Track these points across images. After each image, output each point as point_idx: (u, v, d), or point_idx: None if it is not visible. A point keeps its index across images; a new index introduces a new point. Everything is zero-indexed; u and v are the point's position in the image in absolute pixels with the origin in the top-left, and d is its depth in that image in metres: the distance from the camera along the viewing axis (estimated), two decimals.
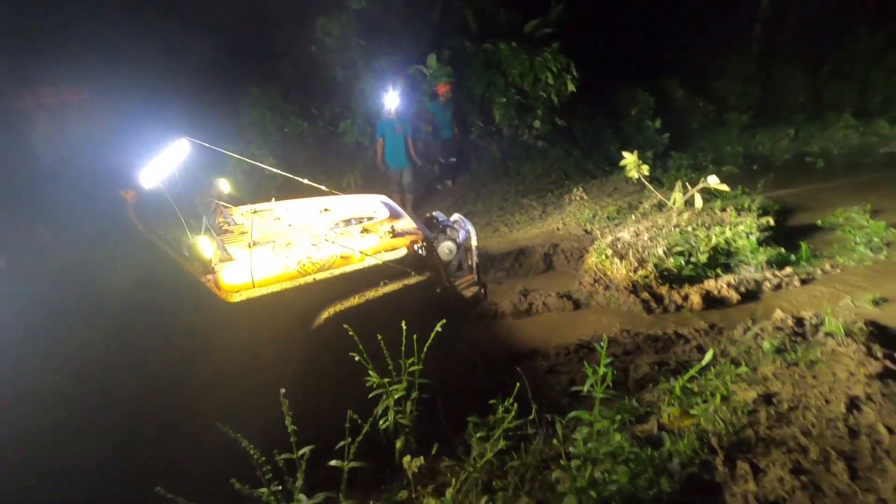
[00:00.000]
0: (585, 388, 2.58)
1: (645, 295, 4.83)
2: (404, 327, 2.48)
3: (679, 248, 5.18)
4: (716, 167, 9.52)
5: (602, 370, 2.51)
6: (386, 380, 2.58)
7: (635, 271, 4.90)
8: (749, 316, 4.47)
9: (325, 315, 2.81)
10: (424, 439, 2.65)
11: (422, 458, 2.32)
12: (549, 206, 8.11)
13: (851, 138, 10.91)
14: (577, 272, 5.56)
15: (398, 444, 2.59)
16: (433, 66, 8.99)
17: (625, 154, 6.59)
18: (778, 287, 5.00)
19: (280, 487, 1.86)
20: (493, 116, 9.67)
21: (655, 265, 4.94)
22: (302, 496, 1.88)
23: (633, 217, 6.46)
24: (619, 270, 4.96)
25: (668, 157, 10.42)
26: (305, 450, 1.93)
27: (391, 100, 7.53)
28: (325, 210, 3.72)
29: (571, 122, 10.29)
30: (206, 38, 8.07)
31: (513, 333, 4.68)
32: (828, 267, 5.24)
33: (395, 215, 3.61)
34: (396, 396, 2.62)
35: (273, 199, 3.94)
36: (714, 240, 5.29)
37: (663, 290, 4.90)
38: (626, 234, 5.53)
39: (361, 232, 3.25)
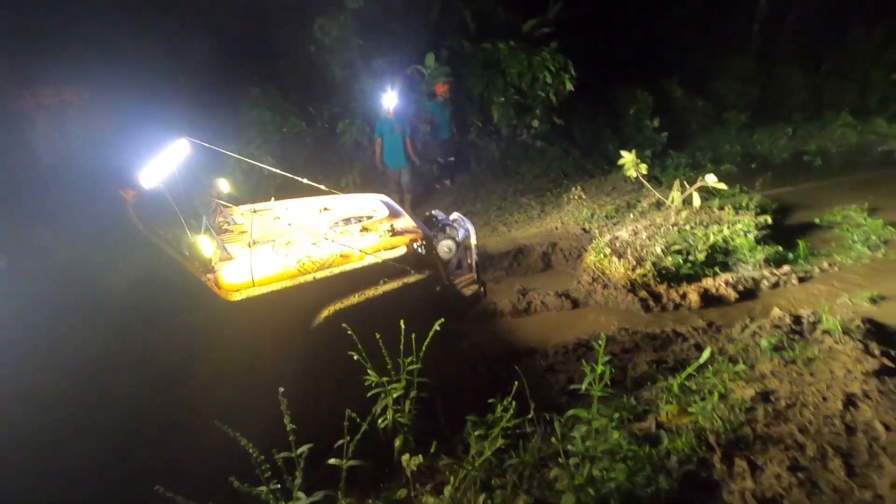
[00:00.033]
0: (584, 387, 2.59)
1: (643, 293, 4.84)
2: (403, 326, 2.49)
3: (677, 247, 5.19)
4: (714, 166, 9.54)
5: (600, 368, 2.52)
6: (385, 379, 2.59)
7: (633, 270, 4.91)
8: (747, 314, 4.49)
9: (325, 313, 2.83)
10: (423, 438, 2.65)
11: (420, 456, 2.33)
12: (547, 205, 8.12)
13: (849, 137, 10.94)
14: (576, 271, 5.57)
15: (397, 442, 2.60)
16: (431, 65, 8.99)
17: (623, 153, 6.59)
18: (776, 285, 5.01)
19: (279, 486, 1.87)
20: (492, 116, 9.68)
21: (654, 264, 4.95)
22: (301, 494, 1.89)
23: (632, 216, 6.47)
24: (618, 269, 4.97)
25: (667, 157, 10.44)
26: (304, 448, 1.94)
27: (389, 99, 7.53)
28: (325, 209, 3.73)
29: (570, 122, 10.30)
30: (205, 38, 8.07)
31: (511, 332, 4.68)
32: (825, 265, 5.26)
33: (394, 214, 3.62)
34: (395, 395, 2.62)
35: (272, 198, 3.95)
36: (712, 238, 5.30)
37: (661, 288, 4.91)
38: (624, 233, 5.54)
39: (361, 231, 3.25)
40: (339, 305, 2.87)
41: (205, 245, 2.78)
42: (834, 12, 13.20)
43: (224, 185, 3.77)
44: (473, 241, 3.86)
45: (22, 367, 1.96)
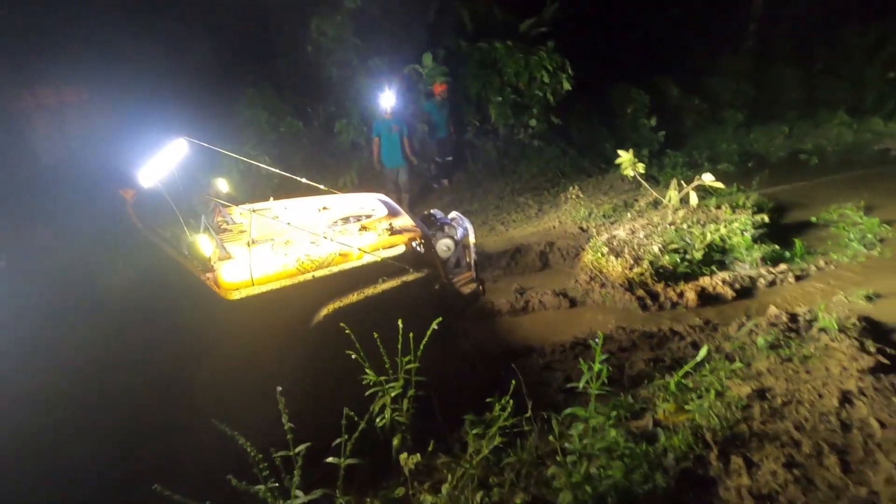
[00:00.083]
0: (581, 385, 2.61)
1: (640, 292, 4.86)
2: (400, 325, 2.50)
3: (674, 246, 5.21)
4: (711, 165, 9.57)
5: (597, 367, 2.53)
6: (382, 378, 2.60)
7: (631, 269, 4.93)
8: (744, 312, 4.51)
9: (324, 312, 2.83)
10: (421, 437, 2.67)
11: (418, 455, 2.34)
12: (545, 204, 8.13)
13: (845, 135, 10.97)
14: (574, 270, 5.59)
15: (395, 441, 2.61)
16: (429, 65, 9.00)
17: (620, 152, 6.62)
18: (772, 283, 5.03)
19: (277, 484, 1.88)
20: (489, 115, 9.69)
21: (651, 262, 4.97)
22: (299, 492, 1.90)
23: (629, 215, 6.49)
24: (615, 268, 4.99)
25: (664, 156, 10.46)
26: (302, 447, 1.94)
27: (387, 99, 7.54)
28: (324, 209, 3.74)
29: (567, 121, 10.32)
30: (202, 38, 8.07)
31: (509, 331, 4.70)
32: (822, 263, 5.28)
33: (393, 213, 3.63)
34: (393, 394, 2.63)
35: (271, 198, 3.96)
36: (709, 237, 5.32)
37: (659, 287, 4.93)
38: (621, 232, 5.56)
39: (360, 230, 3.26)
40: (338, 304, 2.87)
41: (204, 244, 2.78)
42: (829, 11, 13.23)
43: (223, 185, 3.78)
44: (472, 239, 3.87)
45: (22, 366, 1.97)
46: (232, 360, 2.57)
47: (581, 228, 6.44)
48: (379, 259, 3.03)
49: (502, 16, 10.13)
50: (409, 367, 2.62)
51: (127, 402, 2.26)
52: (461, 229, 3.90)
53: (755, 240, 5.45)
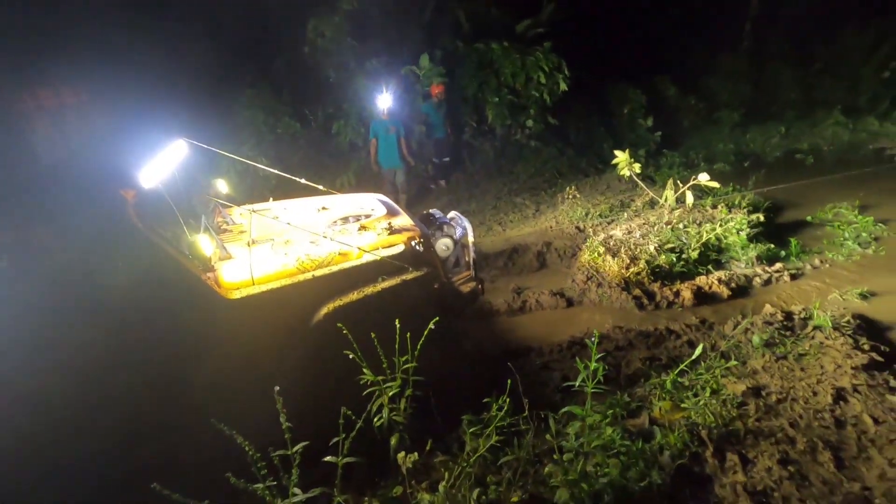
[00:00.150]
0: (577, 384, 2.62)
1: (637, 292, 4.88)
2: (399, 325, 2.51)
3: (671, 245, 5.24)
4: (707, 165, 9.60)
5: (593, 365, 2.55)
6: (380, 377, 2.61)
7: (627, 268, 4.95)
8: (739, 311, 4.54)
9: (324, 311, 2.85)
10: (419, 436, 2.68)
11: (416, 454, 2.35)
12: (542, 204, 8.15)
13: (841, 135, 11.01)
14: (571, 270, 5.60)
15: (393, 440, 2.62)
16: (426, 66, 9.02)
17: (617, 152, 6.64)
18: (768, 282, 5.06)
19: (275, 483, 1.89)
20: (486, 116, 9.70)
21: (647, 262, 4.99)
22: (297, 490, 1.91)
23: (626, 215, 6.51)
24: (612, 268, 5.01)
25: (661, 156, 10.48)
26: (299, 446, 1.96)
27: (384, 100, 7.55)
28: (323, 209, 3.75)
29: (564, 121, 10.34)
30: (200, 39, 8.08)
31: (507, 331, 4.71)
32: (817, 262, 5.31)
33: (392, 212, 3.65)
34: (391, 394, 2.64)
35: (270, 198, 3.97)
36: (705, 236, 5.35)
37: (655, 286, 4.95)
38: (618, 232, 5.58)
39: (359, 229, 3.28)
40: (338, 303, 2.89)
41: (204, 244, 2.80)
42: (825, 11, 13.29)
43: (222, 186, 3.79)
44: (471, 239, 3.89)
45: (23, 366, 1.98)
46: (232, 359, 2.58)
47: (578, 228, 6.46)
48: (378, 258, 3.04)
49: (499, 16, 10.15)
50: (406, 366, 2.63)
51: (127, 401, 2.27)
52: (460, 229, 3.92)
53: (751, 239, 5.48)
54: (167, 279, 2.44)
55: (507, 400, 2.50)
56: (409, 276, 3.14)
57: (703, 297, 4.87)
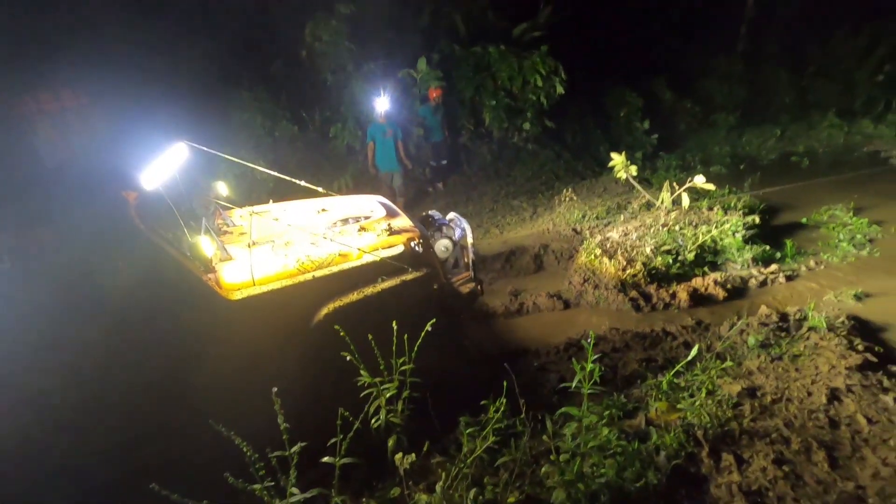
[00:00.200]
0: (573, 385, 2.63)
1: (633, 293, 4.90)
2: (396, 327, 2.52)
3: (667, 247, 5.26)
4: (704, 167, 9.64)
5: (589, 366, 2.56)
6: (378, 379, 2.62)
7: (624, 270, 4.97)
8: (735, 312, 4.56)
9: (324, 311, 2.86)
10: (416, 437, 2.69)
11: (413, 455, 2.36)
12: (539, 207, 8.17)
13: (836, 138, 11.08)
14: (568, 272, 5.62)
15: (390, 442, 2.63)
16: (423, 69, 9.04)
17: (613, 155, 6.67)
18: (763, 284, 5.09)
19: (273, 483, 1.90)
20: (483, 119, 9.74)
21: (644, 264, 5.01)
22: (295, 489, 1.92)
23: (622, 217, 6.54)
24: (608, 269, 5.03)
25: (657, 158, 10.53)
26: (297, 447, 1.96)
27: (381, 104, 7.57)
28: (323, 210, 3.77)
29: (561, 124, 10.38)
30: (198, 43, 8.09)
31: (504, 333, 4.73)
32: (812, 264, 5.34)
33: (391, 214, 3.66)
34: (388, 395, 2.65)
35: (270, 200, 3.99)
36: (701, 238, 5.38)
37: (651, 288, 4.97)
38: (615, 234, 5.60)
39: (359, 230, 3.30)
40: (338, 303, 2.90)
41: (205, 245, 2.81)
42: (820, 14, 13.38)
43: (222, 188, 3.81)
44: (470, 240, 3.91)
45: (25, 367, 1.98)
46: (233, 359, 2.59)
47: (575, 231, 6.48)
48: (378, 259, 3.06)
49: (496, 20, 10.19)
50: (404, 368, 2.64)
51: (128, 402, 2.28)
52: (459, 230, 3.94)
53: (746, 241, 5.51)
54: (168, 280, 2.44)
55: (504, 401, 2.51)
56: (408, 277, 3.16)
57: (699, 298, 4.90)
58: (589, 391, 2.57)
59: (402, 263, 3.15)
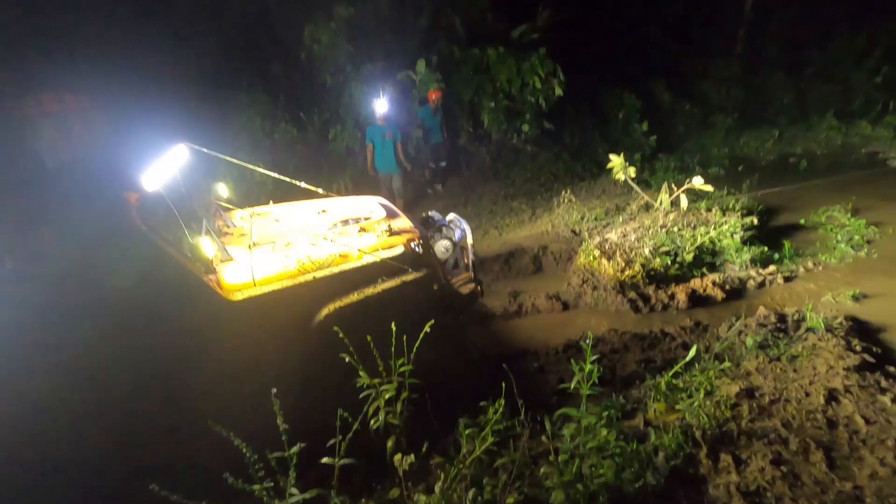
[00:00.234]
0: (572, 386, 2.64)
1: (632, 294, 4.91)
2: (395, 328, 2.53)
3: (665, 248, 5.27)
4: (702, 169, 9.66)
5: (588, 367, 2.57)
6: (377, 380, 2.62)
7: (623, 271, 4.98)
8: (733, 313, 4.56)
9: (325, 311, 2.86)
10: (416, 439, 2.69)
11: (412, 456, 2.37)
12: (538, 208, 8.19)
13: (834, 139, 11.12)
14: (566, 273, 5.63)
15: (389, 443, 2.63)
16: (422, 71, 9.06)
17: (612, 157, 6.69)
18: (762, 285, 5.10)
19: (272, 484, 1.90)
20: (482, 121, 9.76)
21: (642, 265, 5.03)
22: (294, 490, 1.92)
23: (621, 218, 6.55)
24: (607, 271, 5.04)
25: (656, 160, 10.55)
26: (296, 448, 1.97)
27: (380, 106, 7.59)
28: (323, 212, 3.78)
29: (559, 126, 10.40)
30: (196, 45, 8.10)
31: (503, 334, 4.74)
32: (810, 265, 5.36)
33: (391, 215, 3.67)
34: (387, 396, 2.65)
35: (271, 202, 4.00)
36: (699, 239, 5.39)
37: (650, 289, 4.98)
38: (613, 235, 5.61)
39: (359, 231, 3.31)
40: (338, 304, 2.91)
41: (206, 246, 2.82)
42: (818, 16, 13.42)
43: (223, 190, 3.82)
44: (470, 241, 3.92)
45: (26, 368, 1.99)
46: (234, 359, 2.60)
47: (574, 232, 6.50)
48: (378, 259, 3.07)
49: (494, 22, 10.21)
50: (402, 369, 2.64)
51: (129, 403, 2.28)
52: (459, 231, 3.96)
53: (745, 242, 5.52)
54: (169, 280, 2.45)
55: (503, 402, 2.51)
56: (408, 278, 3.16)
57: (697, 299, 4.91)
58: (588, 392, 2.58)
59: (402, 264, 3.15)
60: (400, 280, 3.14)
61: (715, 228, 5.55)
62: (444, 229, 3.96)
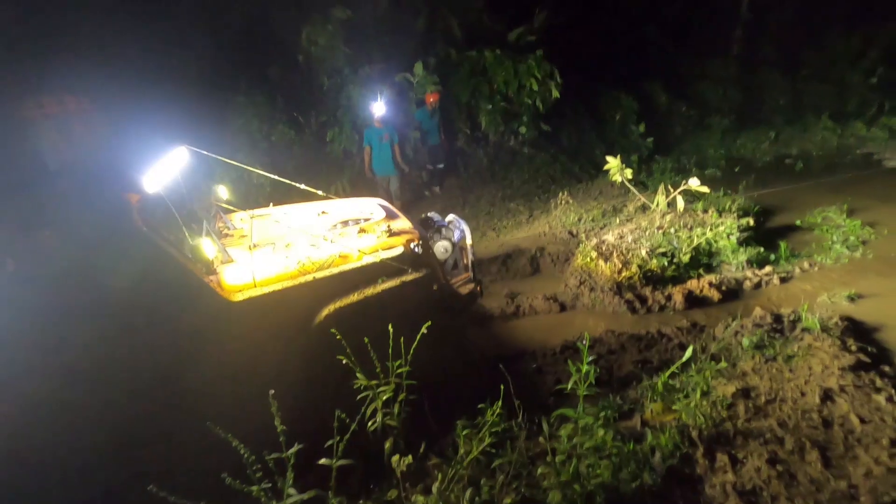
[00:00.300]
0: (569, 386, 2.66)
1: (629, 296, 4.93)
2: (392, 330, 2.54)
3: (662, 250, 5.29)
4: (699, 170, 9.70)
5: (585, 368, 2.59)
6: (374, 382, 2.63)
7: (620, 273, 5.00)
8: (730, 314, 4.58)
9: (325, 312, 2.88)
10: (413, 440, 2.70)
11: (410, 457, 2.38)
12: (535, 210, 8.21)
13: (830, 140, 11.18)
14: (564, 274, 5.65)
15: (387, 445, 2.64)
16: (420, 73, 9.08)
17: (609, 158, 6.71)
18: (758, 285, 5.12)
19: (270, 485, 1.91)
20: (480, 123, 9.77)
21: (639, 266, 5.04)
22: (292, 490, 1.93)
23: (618, 220, 6.57)
24: (604, 272, 5.06)
25: (653, 161, 10.59)
26: (293, 449, 1.98)
27: (378, 108, 7.60)
28: (323, 213, 3.79)
29: (557, 128, 10.42)
30: (194, 47, 8.11)
31: (501, 335, 4.75)
32: (806, 265, 5.38)
33: (391, 216, 3.69)
34: (384, 398, 2.66)
35: (271, 204, 4.01)
36: (696, 241, 5.41)
37: (647, 290, 5.00)
38: (610, 237, 5.63)
39: (359, 232, 3.32)
40: (338, 304, 2.92)
41: (207, 248, 2.83)
42: (814, 18, 13.50)
43: (223, 192, 3.83)
44: (469, 241, 3.94)
45: (27, 369, 1.99)
46: (234, 360, 2.60)
47: (571, 233, 6.52)
48: (378, 260, 3.08)
49: (491, 24, 10.24)
50: (400, 370, 2.65)
51: (130, 404, 2.28)
52: (458, 231, 3.98)
53: (741, 243, 5.55)
54: (170, 281, 2.45)
55: (500, 403, 2.52)
56: (408, 278, 3.18)
57: (694, 300, 4.93)
58: (585, 393, 2.59)
59: (401, 264, 3.17)
60: (400, 280, 3.15)
61: (711, 229, 5.57)
62: (443, 230, 3.98)
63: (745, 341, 3.76)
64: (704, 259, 5.49)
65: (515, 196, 9.06)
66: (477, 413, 2.66)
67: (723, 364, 3.37)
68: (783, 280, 5.16)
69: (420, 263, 3.31)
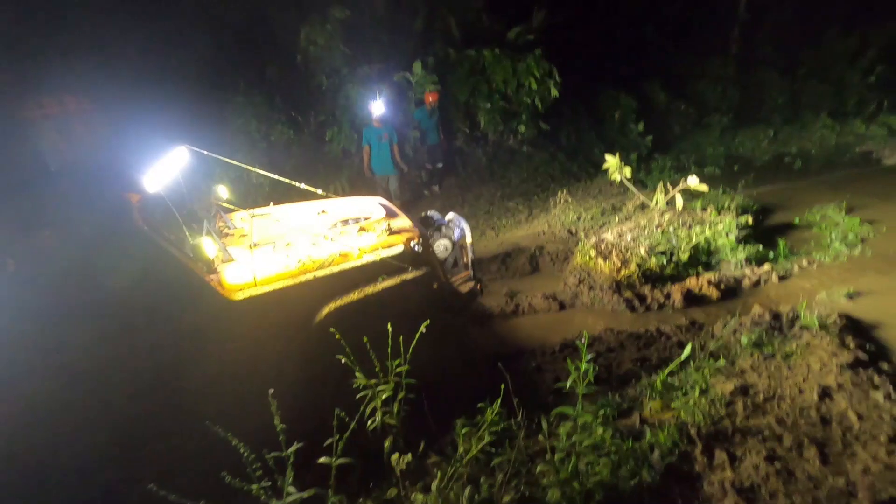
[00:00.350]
0: (568, 385, 2.66)
1: (628, 294, 4.94)
2: (391, 328, 2.54)
3: (661, 248, 5.30)
4: (698, 168, 9.73)
5: (583, 366, 2.59)
6: (373, 381, 2.64)
7: (619, 271, 5.01)
8: (728, 312, 4.59)
9: (326, 310, 2.88)
10: (413, 438, 2.71)
11: (410, 455, 2.38)
12: (534, 209, 8.22)
13: (828, 138, 11.18)
14: (563, 273, 5.66)
15: (386, 443, 2.65)
16: (418, 73, 9.08)
17: (607, 157, 6.72)
18: (757, 283, 5.13)
19: (270, 483, 1.91)
20: (478, 122, 9.78)
21: (638, 265, 5.05)
22: (291, 489, 1.94)
23: (617, 218, 6.58)
24: (603, 270, 5.07)
25: (652, 160, 10.60)
26: (293, 448, 1.98)
27: (377, 107, 7.61)
28: (323, 212, 3.80)
29: (555, 127, 10.43)
30: (193, 48, 8.11)
31: (500, 333, 4.75)
32: (804, 263, 5.39)
33: (391, 214, 3.70)
34: (384, 397, 2.67)
35: (271, 203, 4.02)
36: (695, 239, 5.41)
37: (646, 288, 5.01)
38: (609, 235, 5.64)
39: (359, 231, 3.33)
40: (339, 302, 2.93)
41: (208, 247, 2.83)
42: (812, 16, 13.50)
43: (223, 191, 3.84)
44: (469, 240, 3.95)
45: (28, 369, 2.00)
46: (235, 359, 2.61)
47: (570, 232, 6.52)
48: (378, 258, 3.09)
49: (490, 24, 10.24)
50: (399, 369, 2.66)
51: (130, 403, 2.29)
52: (458, 230, 3.98)
53: (740, 241, 5.55)
54: (171, 280, 2.46)
55: (499, 401, 2.53)
56: (408, 276, 3.18)
57: (692, 298, 4.93)
58: (584, 391, 2.60)
59: (401, 263, 3.18)
60: (400, 279, 3.16)
61: (710, 228, 5.57)
62: (443, 228, 3.99)
63: (744, 339, 3.77)
64: (703, 257, 5.50)
65: (514, 195, 9.07)
66: (476, 411, 2.67)
67: (721, 362, 3.37)
68: (782, 278, 5.17)
69: (420, 262, 3.32)
